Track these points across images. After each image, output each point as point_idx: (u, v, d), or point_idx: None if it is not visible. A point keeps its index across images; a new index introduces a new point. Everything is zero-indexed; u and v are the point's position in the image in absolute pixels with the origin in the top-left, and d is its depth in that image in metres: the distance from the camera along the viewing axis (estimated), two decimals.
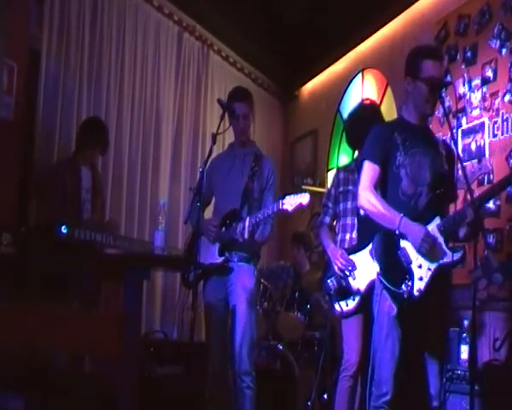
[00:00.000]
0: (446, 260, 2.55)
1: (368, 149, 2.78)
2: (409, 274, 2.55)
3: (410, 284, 2.53)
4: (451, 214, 2.60)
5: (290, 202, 3.02)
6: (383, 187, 2.74)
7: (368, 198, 2.67)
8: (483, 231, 2.73)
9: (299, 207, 3.01)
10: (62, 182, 4.00)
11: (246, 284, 3.29)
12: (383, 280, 2.60)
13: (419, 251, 2.55)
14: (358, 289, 3.17)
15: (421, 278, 2.54)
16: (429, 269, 2.55)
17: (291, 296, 4.63)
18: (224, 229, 3.34)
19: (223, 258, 3.28)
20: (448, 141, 3.08)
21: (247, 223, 3.20)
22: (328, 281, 3.32)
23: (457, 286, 3.23)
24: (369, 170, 2.71)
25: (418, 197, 2.64)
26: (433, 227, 2.58)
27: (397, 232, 2.58)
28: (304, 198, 3.00)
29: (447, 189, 2.70)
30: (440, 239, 2.57)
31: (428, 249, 2.54)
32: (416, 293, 2.52)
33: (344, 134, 4.17)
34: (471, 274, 3.47)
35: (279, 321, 4.50)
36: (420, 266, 2.55)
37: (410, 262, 2.56)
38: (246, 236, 3.18)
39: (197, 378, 3.77)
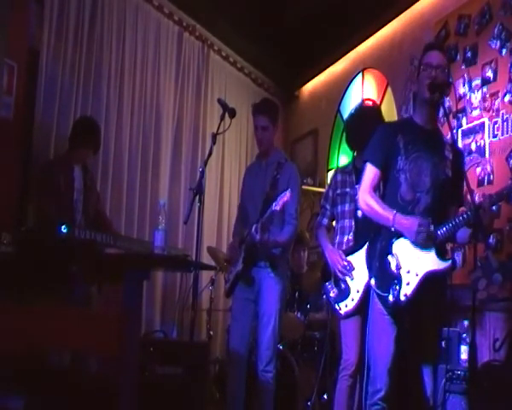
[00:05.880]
0: (436, 267, 2.53)
1: (370, 150, 2.78)
2: (397, 279, 2.55)
3: (397, 288, 2.53)
4: (444, 223, 2.56)
5: (279, 204, 3.32)
6: (384, 190, 2.75)
7: (365, 200, 2.69)
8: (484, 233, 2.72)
9: (284, 203, 3.33)
10: (56, 180, 3.97)
11: (269, 292, 3.48)
12: (372, 286, 2.64)
13: (416, 243, 2.54)
14: (357, 290, 3.18)
15: (408, 284, 2.53)
16: (417, 275, 2.53)
17: (291, 296, 4.63)
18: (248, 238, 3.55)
19: (242, 265, 3.50)
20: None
21: (253, 226, 3.42)
22: (327, 283, 3.33)
23: (457, 286, 3.22)
24: (369, 173, 2.72)
25: (416, 204, 2.62)
26: None
27: (392, 229, 2.58)
28: (286, 196, 3.31)
29: (449, 194, 2.69)
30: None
31: (425, 239, 2.52)
32: (402, 298, 2.52)
33: (344, 135, 4.17)
34: (471, 274, 3.47)
35: None
36: (408, 272, 2.55)
37: (400, 268, 2.56)
38: (257, 237, 3.38)
39: (197, 378, 3.77)
